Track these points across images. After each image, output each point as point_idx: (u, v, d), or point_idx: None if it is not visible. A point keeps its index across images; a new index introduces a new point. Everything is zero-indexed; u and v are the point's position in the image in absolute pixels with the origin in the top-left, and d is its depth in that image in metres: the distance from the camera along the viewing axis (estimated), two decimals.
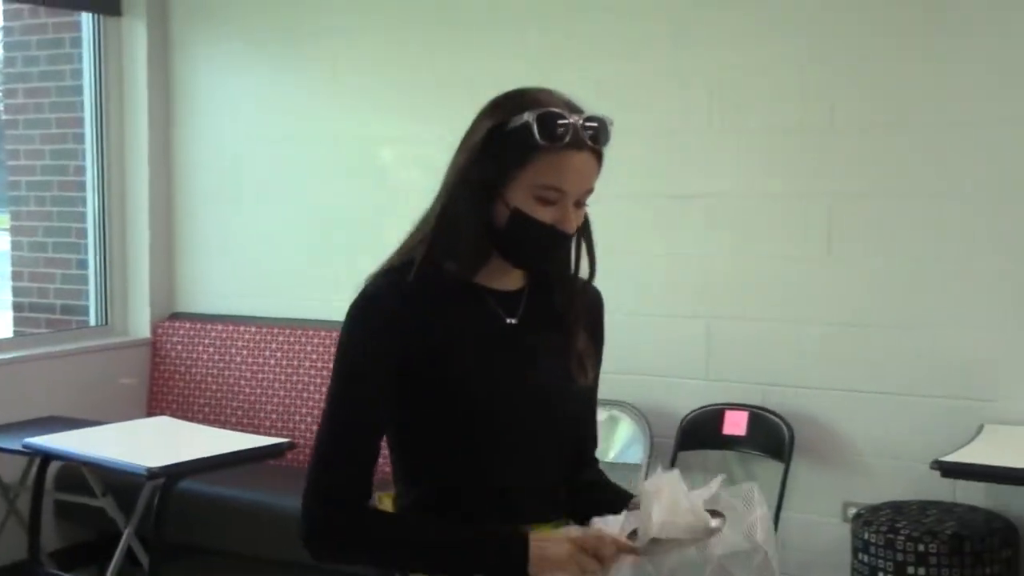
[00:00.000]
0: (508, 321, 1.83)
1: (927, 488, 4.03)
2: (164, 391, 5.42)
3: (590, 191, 1.78)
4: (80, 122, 5.50)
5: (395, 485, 1.89)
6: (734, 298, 4.34)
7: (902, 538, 3.78)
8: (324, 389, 4.82)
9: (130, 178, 5.47)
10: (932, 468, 3.54)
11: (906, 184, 4.13)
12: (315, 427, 4.84)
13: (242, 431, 4.76)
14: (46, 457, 4.03)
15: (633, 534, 1.71)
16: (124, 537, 4.19)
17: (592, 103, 1.85)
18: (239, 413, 5.25)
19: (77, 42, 5.51)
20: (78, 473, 4.38)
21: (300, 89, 5.26)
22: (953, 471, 3.60)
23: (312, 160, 5.28)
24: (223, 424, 5.10)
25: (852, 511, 4.13)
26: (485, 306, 1.82)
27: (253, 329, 5.29)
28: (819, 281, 4.27)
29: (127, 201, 5.49)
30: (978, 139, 4.01)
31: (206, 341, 5.38)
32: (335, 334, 5.38)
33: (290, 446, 4.05)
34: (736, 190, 4.32)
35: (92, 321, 5.55)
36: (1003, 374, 4.06)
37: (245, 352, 5.30)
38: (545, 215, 1.74)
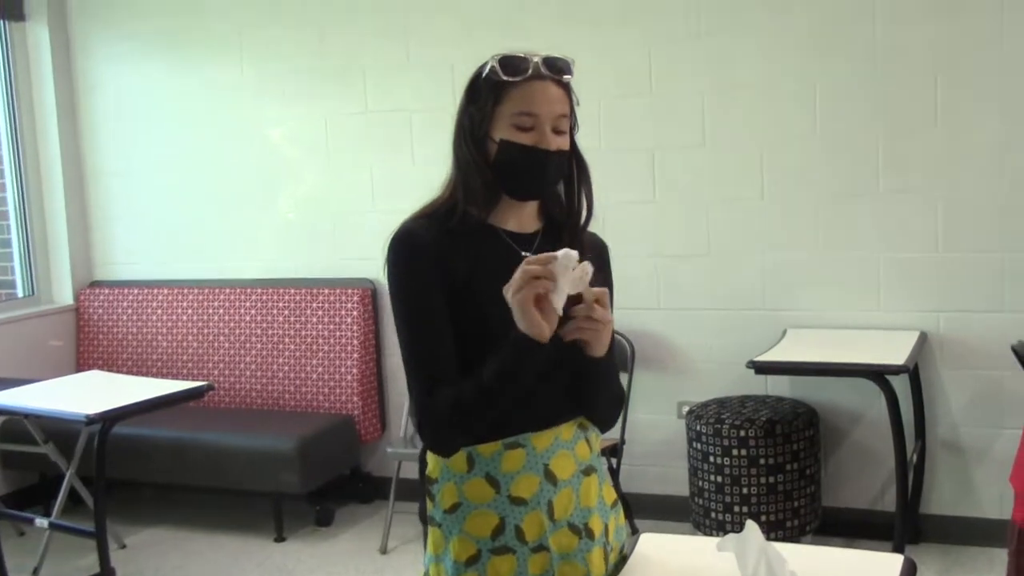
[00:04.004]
0: (523, 255, 1.96)
1: (745, 384, 4.56)
2: (90, 350, 5.76)
3: (563, 116, 1.97)
4: None
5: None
6: None
7: (726, 427, 4.26)
8: (231, 339, 5.38)
9: (44, 167, 5.77)
10: (748, 367, 4.03)
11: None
12: (227, 372, 5.38)
13: (163, 379, 4.96)
14: None
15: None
16: (67, 478, 4.56)
17: None
18: (159, 364, 5.59)
19: None
20: (20, 425, 4.70)
21: (195, 76, 5.56)
22: (764, 368, 4.10)
23: (207, 140, 5.57)
24: (146, 375, 5.37)
25: (685, 408, 4.60)
26: (503, 244, 2.01)
27: (165, 291, 5.64)
28: (648, 221, 4.72)
29: (44, 188, 5.79)
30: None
31: (124, 304, 5.71)
32: (237, 291, 5.62)
33: (209, 387, 4.27)
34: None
35: (20, 293, 5.82)
36: (799, 288, 4.56)
37: (160, 311, 5.63)
38: (526, 139, 1.94)
